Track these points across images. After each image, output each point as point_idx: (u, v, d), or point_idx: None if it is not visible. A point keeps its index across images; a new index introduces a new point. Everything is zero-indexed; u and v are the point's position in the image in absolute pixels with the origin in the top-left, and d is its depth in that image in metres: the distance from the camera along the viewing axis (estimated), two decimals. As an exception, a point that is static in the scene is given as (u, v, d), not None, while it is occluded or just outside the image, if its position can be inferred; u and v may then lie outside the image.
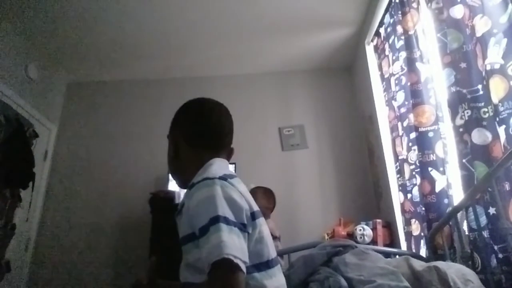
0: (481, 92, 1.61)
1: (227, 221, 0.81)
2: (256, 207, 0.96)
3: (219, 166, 1.02)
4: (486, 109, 1.58)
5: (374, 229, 2.68)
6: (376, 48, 3.06)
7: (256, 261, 0.87)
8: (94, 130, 3.67)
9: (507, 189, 1.41)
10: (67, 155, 3.54)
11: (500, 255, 1.43)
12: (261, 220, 0.95)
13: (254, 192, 2.66)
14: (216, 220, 0.80)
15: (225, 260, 0.74)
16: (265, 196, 2.75)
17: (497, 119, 1.44)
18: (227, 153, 1.14)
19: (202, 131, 1.09)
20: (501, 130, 1.43)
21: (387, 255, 2.10)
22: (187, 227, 0.89)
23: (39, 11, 2.80)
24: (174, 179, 1.15)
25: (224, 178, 0.92)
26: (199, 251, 0.80)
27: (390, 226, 2.77)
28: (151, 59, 3.56)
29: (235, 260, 0.74)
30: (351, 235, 2.71)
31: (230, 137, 1.14)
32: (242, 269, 0.76)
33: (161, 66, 3.70)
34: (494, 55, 1.45)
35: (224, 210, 0.83)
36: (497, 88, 1.43)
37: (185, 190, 0.99)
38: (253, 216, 0.92)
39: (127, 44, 3.29)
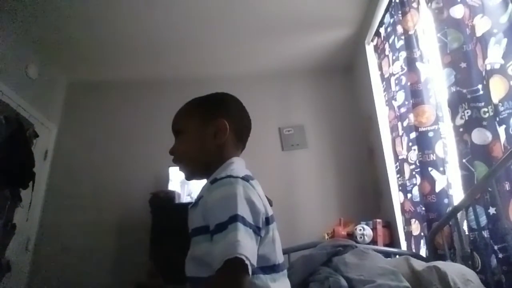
0: (481, 92, 1.61)
1: (244, 221, 0.82)
2: (270, 212, 0.97)
3: (240, 166, 1.03)
4: (486, 109, 1.58)
5: (374, 229, 2.68)
6: (376, 48, 3.06)
7: (263, 264, 0.87)
8: (94, 130, 3.66)
9: (507, 189, 1.41)
10: (67, 155, 3.54)
11: (500, 255, 1.43)
12: (274, 225, 0.96)
13: None
14: (235, 218, 0.81)
15: (237, 260, 0.75)
16: None
17: (497, 119, 1.44)
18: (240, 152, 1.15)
19: (246, 127, 1.13)
20: (501, 130, 1.43)
21: (387, 255, 2.11)
22: (201, 220, 0.89)
23: (39, 11, 2.80)
24: (191, 169, 1.10)
25: (246, 179, 0.92)
26: (210, 245, 0.82)
27: (390, 226, 2.78)
28: (151, 59, 3.56)
29: (246, 261, 0.76)
30: (351, 235, 2.71)
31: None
32: (249, 271, 0.77)
33: (162, 66, 3.70)
34: (494, 55, 1.45)
35: (243, 210, 0.84)
36: (497, 88, 1.44)
37: (194, 185, 0.99)
38: (267, 220, 0.92)
39: (127, 44, 3.28)
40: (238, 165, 1.02)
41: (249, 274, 0.77)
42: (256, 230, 0.85)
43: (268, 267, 0.90)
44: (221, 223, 0.81)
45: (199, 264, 0.88)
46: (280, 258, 0.96)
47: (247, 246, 0.78)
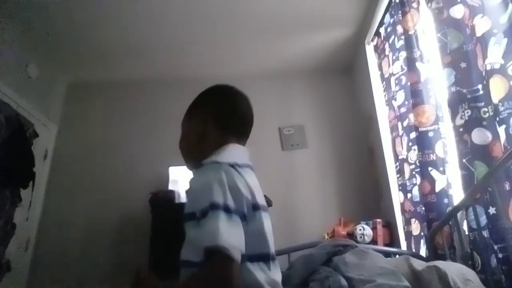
0: (481, 92, 1.61)
1: (227, 208, 0.82)
2: (261, 201, 0.96)
3: (232, 152, 1.02)
4: (486, 109, 1.58)
5: (374, 228, 2.68)
6: (376, 48, 3.06)
7: (250, 252, 0.86)
8: (94, 130, 3.66)
9: (507, 188, 1.41)
10: (67, 155, 3.54)
11: (500, 255, 1.43)
12: (262, 214, 0.95)
13: None
14: (216, 206, 0.81)
15: (219, 249, 0.76)
16: None
17: (497, 119, 1.45)
18: (244, 144, 1.15)
19: (234, 115, 1.11)
20: (501, 130, 1.43)
21: (387, 254, 2.11)
22: (190, 206, 0.90)
23: (40, 11, 2.80)
24: (190, 161, 1.12)
25: (232, 165, 0.92)
26: (198, 230, 0.83)
27: (390, 226, 2.78)
28: (151, 59, 3.56)
29: (227, 251, 0.76)
30: (351, 235, 2.72)
31: (251, 128, 1.16)
32: (236, 257, 0.77)
33: (162, 67, 3.70)
34: (494, 55, 1.46)
35: (226, 196, 0.84)
36: (497, 88, 1.44)
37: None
38: (254, 207, 0.92)
39: (127, 44, 3.28)
40: (230, 151, 1.02)
41: (236, 262, 0.77)
42: (242, 216, 0.86)
43: (256, 255, 0.89)
44: (203, 209, 0.82)
45: (192, 248, 0.88)
46: (271, 248, 0.95)
47: (230, 234, 0.79)
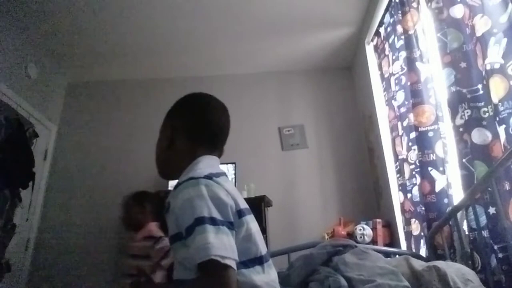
0: (481, 92, 1.61)
1: (213, 221, 0.82)
2: (244, 205, 0.96)
3: (206, 164, 1.01)
4: (486, 109, 1.58)
5: (374, 228, 2.68)
6: (376, 47, 3.06)
7: (244, 258, 0.87)
8: (94, 130, 3.67)
9: (507, 188, 1.41)
10: (67, 155, 3.54)
11: (500, 255, 1.43)
12: (248, 218, 0.95)
13: (126, 203, 2.50)
14: (201, 221, 0.80)
15: (213, 262, 0.75)
16: (135, 203, 2.49)
17: (497, 118, 1.44)
18: (219, 153, 1.14)
19: (204, 126, 1.09)
20: (501, 129, 1.43)
21: (387, 254, 2.10)
22: (174, 227, 0.89)
23: (39, 11, 2.80)
24: (159, 169, 1.13)
25: (209, 177, 0.91)
26: (187, 250, 0.81)
27: (390, 226, 2.78)
28: (151, 58, 3.56)
29: (223, 261, 0.76)
30: (351, 235, 2.71)
31: (226, 138, 1.15)
32: (232, 267, 0.78)
33: (161, 66, 3.70)
34: (494, 55, 1.45)
35: (210, 210, 0.83)
36: (497, 88, 1.43)
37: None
38: (239, 213, 0.92)
39: (127, 44, 3.29)
40: (203, 164, 1.01)
41: (233, 270, 0.78)
42: (229, 226, 0.85)
43: (250, 260, 0.90)
44: (189, 227, 0.81)
45: (184, 268, 0.88)
46: (262, 249, 0.95)
47: (222, 245, 0.78)
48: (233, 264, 0.78)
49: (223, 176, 0.99)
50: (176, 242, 0.89)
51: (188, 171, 1.00)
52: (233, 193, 0.94)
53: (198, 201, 0.84)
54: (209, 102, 1.15)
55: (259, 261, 0.92)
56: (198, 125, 1.09)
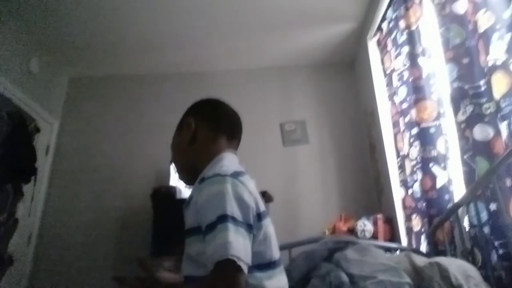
0: (483, 88, 1.60)
1: (234, 221, 0.82)
2: (263, 207, 0.96)
3: (230, 162, 1.02)
4: (488, 105, 1.57)
5: (375, 224, 2.69)
6: (378, 43, 3.04)
7: (258, 262, 0.87)
8: (96, 125, 3.67)
9: (508, 185, 1.41)
10: (69, 150, 3.55)
11: (501, 251, 1.44)
12: (267, 221, 0.95)
13: None
14: (224, 219, 0.81)
15: (229, 261, 0.76)
16: None
17: (499, 115, 1.44)
18: (235, 149, 1.15)
19: (224, 115, 1.15)
20: (503, 126, 1.43)
21: (387, 250, 2.11)
22: (193, 221, 0.89)
23: (41, 5, 2.79)
24: (182, 172, 1.13)
25: (235, 175, 0.91)
26: (203, 246, 0.82)
27: (391, 222, 2.78)
28: (153, 54, 3.55)
29: (238, 262, 0.76)
30: (352, 231, 2.72)
31: (241, 134, 1.19)
32: (244, 271, 0.78)
33: (163, 61, 3.69)
34: (497, 51, 1.45)
35: (233, 209, 0.83)
36: (499, 84, 1.43)
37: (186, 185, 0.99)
38: (259, 217, 0.92)
39: (129, 39, 3.28)
40: (227, 161, 1.02)
41: (244, 274, 0.78)
42: (248, 228, 0.85)
43: (264, 264, 0.90)
44: (211, 224, 0.81)
45: (195, 264, 0.88)
46: (276, 254, 0.95)
47: (239, 246, 0.78)
48: (245, 268, 0.78)
49: (246, 175, 0.99)
50: (192, 237, 0.89)
51: (212, 166, 1.00)
52: (255, 195, 0.94)
53: (223, 199, 0.84)
54: (223, 102, 1.20)
55: (272, 266, 0.92)
56: (218, 114, 1.14)
